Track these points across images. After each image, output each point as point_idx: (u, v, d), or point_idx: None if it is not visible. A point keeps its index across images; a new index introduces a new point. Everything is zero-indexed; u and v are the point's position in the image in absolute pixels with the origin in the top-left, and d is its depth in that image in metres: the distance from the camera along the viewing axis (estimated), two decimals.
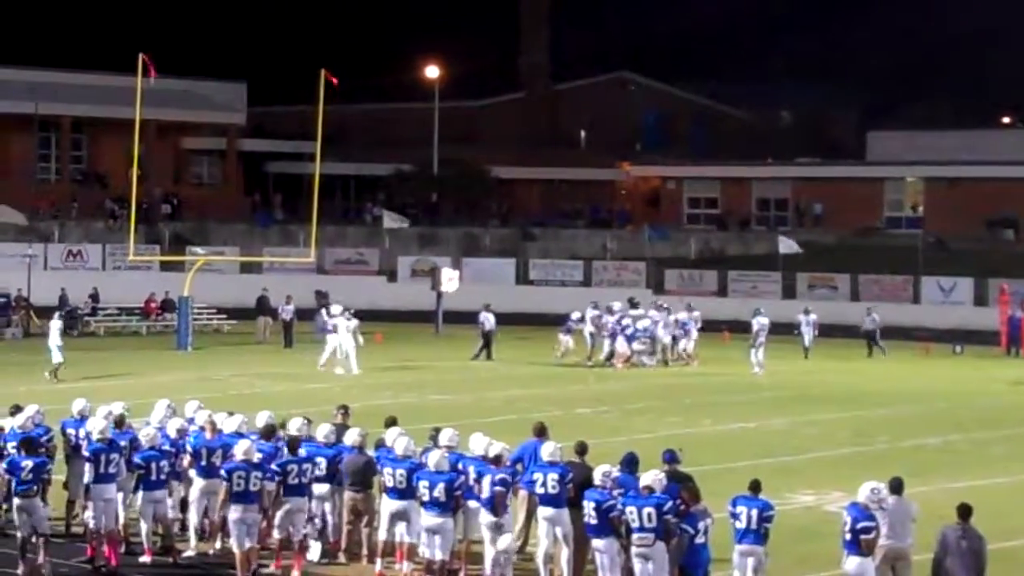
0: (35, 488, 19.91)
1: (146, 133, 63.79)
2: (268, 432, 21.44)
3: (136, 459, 20.75)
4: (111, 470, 20.43)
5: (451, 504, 19.59)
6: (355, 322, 44.60)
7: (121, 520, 20.99)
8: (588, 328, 48.66)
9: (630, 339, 47.17)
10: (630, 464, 19.38)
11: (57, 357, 41.80)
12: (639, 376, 45.33)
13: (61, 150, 78.10)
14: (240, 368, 45.43)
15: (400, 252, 71.43)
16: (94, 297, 59.89)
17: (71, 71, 79.26)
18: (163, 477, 20.84)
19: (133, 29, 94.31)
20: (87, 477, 20.44)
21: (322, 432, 21.45)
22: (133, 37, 69.95)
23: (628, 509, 18.07)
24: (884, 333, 53.10)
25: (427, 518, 19.58)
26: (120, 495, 20.88)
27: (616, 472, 18.87)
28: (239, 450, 20.05)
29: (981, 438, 33.57)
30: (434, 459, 19.80)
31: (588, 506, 18.49)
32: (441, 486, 19.46)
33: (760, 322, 46.95)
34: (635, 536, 18.01)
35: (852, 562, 17.35)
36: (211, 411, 22.38)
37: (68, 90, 76.29)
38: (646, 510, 17.91)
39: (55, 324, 43.17)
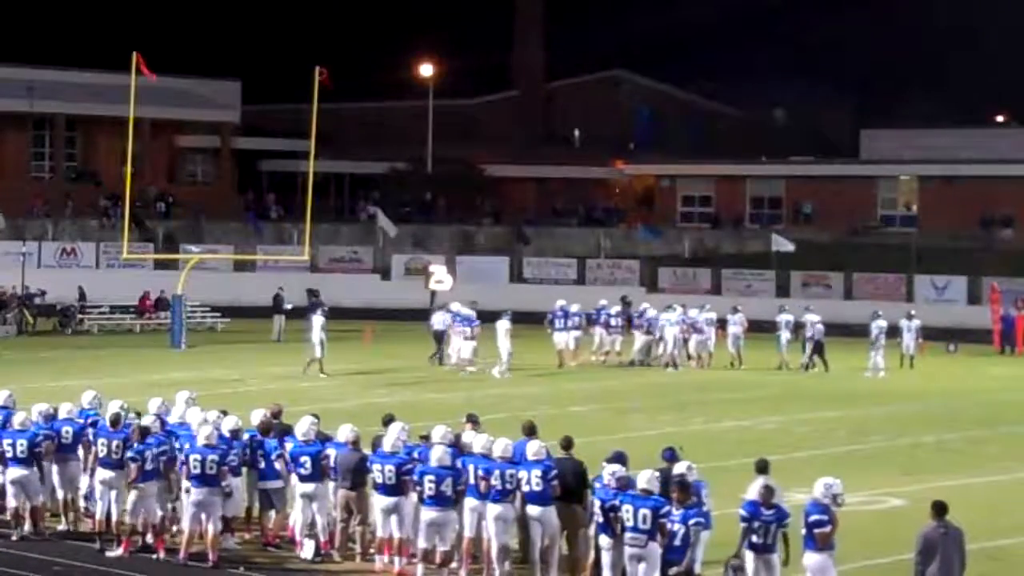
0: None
1: (140, 131, 63.66)
2: (265, 428, 21.84)
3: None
4: None
5: (452, 499, 19.66)
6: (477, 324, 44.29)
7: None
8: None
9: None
10: (618, 462, 19.21)
11: (318, 352, 42.51)
12: (635, 374, 45.32)
13: (55, 148, 77.92)
14: (235, 367, 45.37)
15: (394, 250, 71.40)
16: (82, 295, 59.74)
17: (65, 69, 78.99)
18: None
19: (128, 27, 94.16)
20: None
21: (301, 429, 21.42)
22: (128, 35, 69.78)
23: (624, 507, 18.06)
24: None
25: (426, 512, 19.64)
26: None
27: (623, 471, 18.78)
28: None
29: (976, 436, 33.58)
30: (436, 455, 19.81)
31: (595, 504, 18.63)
32: (449, 480, 19.60)
33: (879, 325, 46.76)
34: (628, 536, 17.98)
35: (810, 558, 17.40)
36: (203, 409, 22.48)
37: (62, 88, 76.15)
38: (642, 511, 17.90)
39: (317, 320, 43.44)
